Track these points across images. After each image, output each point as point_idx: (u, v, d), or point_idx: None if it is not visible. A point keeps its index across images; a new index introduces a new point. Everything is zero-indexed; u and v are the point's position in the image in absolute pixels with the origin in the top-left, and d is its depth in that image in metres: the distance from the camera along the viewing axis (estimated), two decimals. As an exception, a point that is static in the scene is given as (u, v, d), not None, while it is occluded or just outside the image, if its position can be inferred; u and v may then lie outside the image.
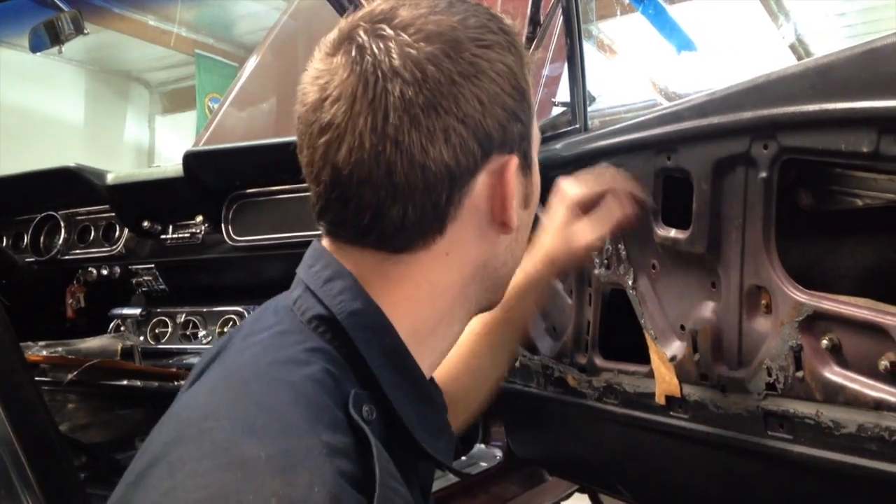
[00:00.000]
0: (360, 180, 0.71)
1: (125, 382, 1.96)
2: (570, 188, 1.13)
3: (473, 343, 1.11)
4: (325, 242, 0.79)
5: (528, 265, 1.09)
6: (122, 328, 2.38)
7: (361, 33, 0.72)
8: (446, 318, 0.80)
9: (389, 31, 0.71)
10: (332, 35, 0.75)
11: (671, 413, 1.16)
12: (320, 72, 0.73)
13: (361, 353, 0.71)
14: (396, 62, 0.70)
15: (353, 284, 0.74)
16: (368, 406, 0.68)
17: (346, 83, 0.71)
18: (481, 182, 0.75)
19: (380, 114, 0.69)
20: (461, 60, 0.71)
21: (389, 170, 0.70)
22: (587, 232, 1.10)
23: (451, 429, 0.82)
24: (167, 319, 2.36)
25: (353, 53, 0.71)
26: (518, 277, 0.98)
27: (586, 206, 1.12)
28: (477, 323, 1.09)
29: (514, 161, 0.76)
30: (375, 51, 0.70)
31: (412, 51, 0.70)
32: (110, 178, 2.30)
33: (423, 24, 0.72)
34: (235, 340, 0.77)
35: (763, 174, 0.96)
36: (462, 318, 0.82)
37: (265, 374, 0.67)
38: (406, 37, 0.71)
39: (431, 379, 0.82)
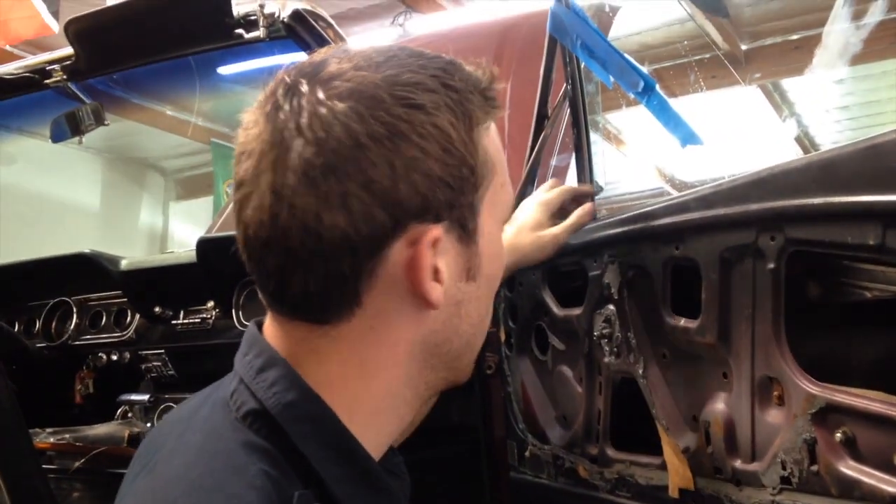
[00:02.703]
0: (262, 243, 0.67)
1: (131, 470, 1.93)
2: (542, 193, 1.30)
3: None
4: (267, 318, 0.75)
5: None
6: (130, 414, 2.36)
7: (282, 88, 0.68)
8: (387, 400, 0.72)
9: (305, 88, 0.67)
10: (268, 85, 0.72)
11: (685, 507, 1.13)
12: (247, 122, 0.70)
13: (300, 448, 0.66)
14: (304, 121, 0.65)
15: (287, 372, 0.69)
16: None
17: (258, 139, 0.67)
18: (397, 252, 0.68)
19: (279, 174, 0.65)
20: (373, 121, 0.65)
21: (285, 234, 0.66)
22: (560, 234, 1.27)
23: None
24: (175, 406, 2.34)
25: (269, 108, 0.68)
26: None
27: (554, 210, 1.29)
28: None
29: (433, 232, 0.68)
30: (287, 108, 0.67)
31: (322, 109, 0.65)
32: (124, 264, 2.32)
33: (345, 79, 0.67)
34: (169, 441, 0.73)
35: (771, 265, 0.97)
36: (411, 400, 0.74)
37: (196, 490, 0.62)
38: (322, 94, 0.66)
39: (389, 450, 0.76)
